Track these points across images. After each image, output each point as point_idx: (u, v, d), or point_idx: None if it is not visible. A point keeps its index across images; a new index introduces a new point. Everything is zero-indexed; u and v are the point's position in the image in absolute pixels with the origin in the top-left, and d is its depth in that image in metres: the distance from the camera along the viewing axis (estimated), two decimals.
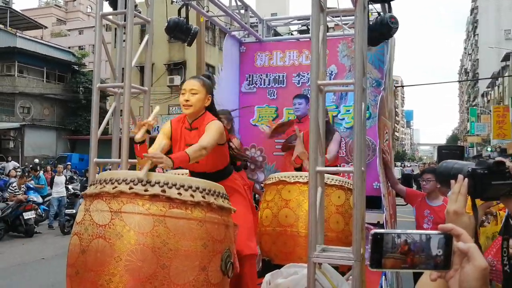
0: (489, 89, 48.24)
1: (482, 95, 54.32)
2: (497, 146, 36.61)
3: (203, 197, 2.28)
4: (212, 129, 2.97)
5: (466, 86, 78.30)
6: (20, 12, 35.34)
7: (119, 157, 3.62)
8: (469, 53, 69.74)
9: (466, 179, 1.27)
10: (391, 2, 4.95)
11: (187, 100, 3.03)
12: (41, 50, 29.83)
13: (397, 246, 0.92)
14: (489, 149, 39.20)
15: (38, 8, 56.46)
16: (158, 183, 2.21)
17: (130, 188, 2.19)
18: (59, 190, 12.29)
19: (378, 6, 5.05)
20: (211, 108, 3.19)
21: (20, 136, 27.24)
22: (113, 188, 2.20)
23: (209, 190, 2.34)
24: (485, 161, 1.30)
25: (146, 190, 2.18)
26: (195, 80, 3.11)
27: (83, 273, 2.16)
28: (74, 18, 55.43)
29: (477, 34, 58.00)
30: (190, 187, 2.27)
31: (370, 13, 4.90)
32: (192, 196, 2.24)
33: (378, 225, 5.22)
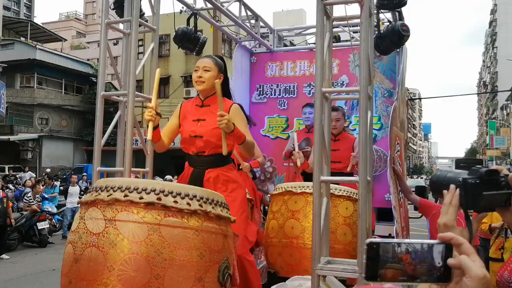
0: (508, 102, 47.48)
1: (501, 108, 53.48)
2: None
3: (200, 205, 2.22)
4: (242, 118, 3.09)
5: (485, 99, 77.28)
6: (41, 25, 36.08)
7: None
8: (488, 65, 68.98)
9: (458, 189, 1.19)
10: (404, 11, 4.88)
11: (200, 77, 3.07)
12: (60, 62, 30.30)
13: (397, 256, 0.86)
14: (508, 161, 38.47)
15: (58, 21, 57.61)
16: (154, 190, 2.15)
17: (125, 195, 2.14)
18: (73, 200, 12.39)
19: (390, 16, 4.99)
20: (225, 89, 3.16)
21: (38, 147, 27.61)
22: (108, 196, 2.15)
23: (207, 198, 2.27)
24: (478, 170, 1.20)
25: (141, 198, 2.13)
26: (207, 58, 3.16)
27: (75, 283, 2.10)
28: (93, 31, 56.35)
29: (496, 47, 57.36)
30: (187, 195, 2.21)
31: (381, 23, 4.84)
32: (188, 204, 2.18)
33: (389, 237, 5.09)
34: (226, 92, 3.19)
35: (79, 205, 8.60)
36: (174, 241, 2.10)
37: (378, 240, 0.87)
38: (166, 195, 2.16)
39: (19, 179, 20.61)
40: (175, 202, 2.15)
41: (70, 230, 2.28)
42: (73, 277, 2.12)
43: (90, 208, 2.20)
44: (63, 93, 31.00)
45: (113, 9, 3.95)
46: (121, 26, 4.05)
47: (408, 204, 5.33)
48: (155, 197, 2.14)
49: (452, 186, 1.21)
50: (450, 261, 0.87)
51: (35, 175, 21.12)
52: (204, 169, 3.00)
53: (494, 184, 1.18)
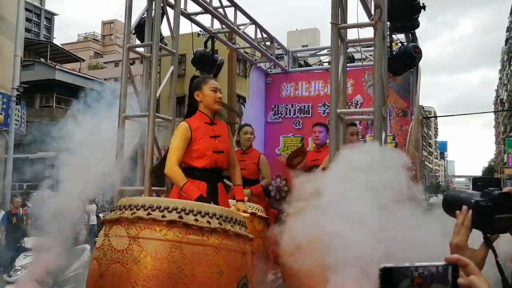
0: None
1: None
2: None
3: (220, 223, 2.30)
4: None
5: (502, 117, 76.41)
6: (60, 46, 36.90)
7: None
8: (505, 83, 68.36)
9: (471, 211, 1.22)
10: (416, 32, 4.96)
11: (220, 97, 3.27)
12: (78, 82, 30.88)
13: (415, 280, 0.87)
14: None
15: (77, 42, 58.86)
16: (176, 209, 2.24)
17: (148, 214, 2.23)
18: (90, 218, 12.50)
19: (402, 37, 5.07)
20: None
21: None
22: (131, 214, 2.25)
23: (226, 217, 2.35)
24: (491, 192, 1.22)
25: (163, 216, 2.22)
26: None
27: None
28: (110, 51, 57.43)
29: None
30: (207, 213, 2.29)
31: (394, 43, 4.92)
32: (208, 222, 2.26)
33: None
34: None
35: (95, 223, 8.75)
36: (195, 258, 2.18)
37: (391, 264, 0.88)
38: (187, 214, 2.24)
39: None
40: (196, 220, 2.24)
41: (95, 247, 2.37)
42: None
43: (114, 226, 2.29)
44: None
45: (133, 34, 4.10)
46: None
47: None
48: (176, 216, 2.22)
49: (464, 207, 1.24)
50: (460, 280, 0.91)
51: (52, 193, 21.36)
52: (216, 182, 3.20)
53: (507, 207, 1.20)
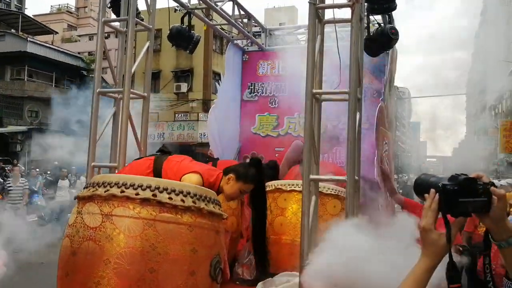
0: (496, 102, 47.92)
1: (490, 109, 53.94)
2: (504, 160, 36.33)
3: (194, 202, 2.30)
4: None
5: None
6: (32, 17, 35.73)
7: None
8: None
9: (438, 194, 1.26)
10: (393, 13, 4.98)
11: (236, 198, 3.26)
12: (50, 55, 30.05)
13: None
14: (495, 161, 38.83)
15: (50, 14, 57.04)
16: (149, 187, 2.24)
17: (122, 191, 2.22)
18: (62, 194, 12.37)
19: (379, 18, 5.08)
20: None
21: (28, 139, 27.41)
22: (105, 191, 2.23)
23: (200, 195, 2.36)
24: (457, 176, 1.27)
25: (137, 194, 2.21)
26: None
27: (72, 275, 2.19)
28: (85, 24, 55.92)
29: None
30: (181, 192, 2.29)
31: (372, 24, 4.94)
32: (182, 201, 2.27)
33: None
34: None
35: (68, 199, 8.63)
36: (168, 236, 2.19)
37: None
38: (161, 192, 2.24)
39: (7, 172, 20.44)
40: (170, 198, 2.24)
41: (67, 224, 2.35)
42: (70, 269, 2.20)
43: (88, 203, 2.28)
44: (53, 86, 30.77)
45: (109, 8, 4.00)
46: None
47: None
48: (150, 194, 2.22)
49: (432, 191, 1.29)
50: None
51: (24, 168, 20.97)
52: None
53: (472, 191, 1.24)
